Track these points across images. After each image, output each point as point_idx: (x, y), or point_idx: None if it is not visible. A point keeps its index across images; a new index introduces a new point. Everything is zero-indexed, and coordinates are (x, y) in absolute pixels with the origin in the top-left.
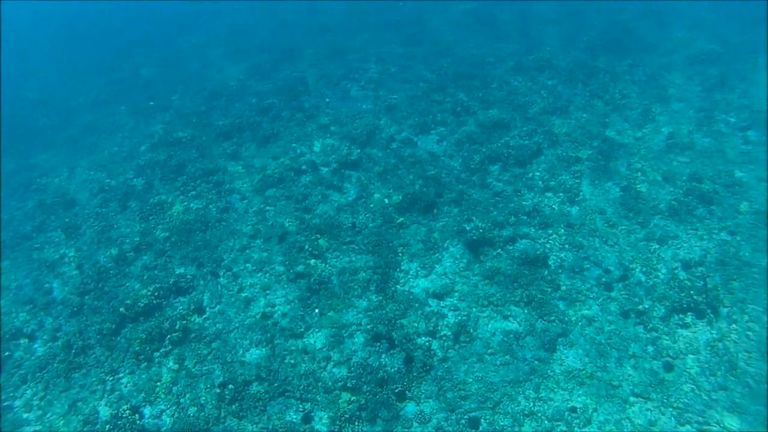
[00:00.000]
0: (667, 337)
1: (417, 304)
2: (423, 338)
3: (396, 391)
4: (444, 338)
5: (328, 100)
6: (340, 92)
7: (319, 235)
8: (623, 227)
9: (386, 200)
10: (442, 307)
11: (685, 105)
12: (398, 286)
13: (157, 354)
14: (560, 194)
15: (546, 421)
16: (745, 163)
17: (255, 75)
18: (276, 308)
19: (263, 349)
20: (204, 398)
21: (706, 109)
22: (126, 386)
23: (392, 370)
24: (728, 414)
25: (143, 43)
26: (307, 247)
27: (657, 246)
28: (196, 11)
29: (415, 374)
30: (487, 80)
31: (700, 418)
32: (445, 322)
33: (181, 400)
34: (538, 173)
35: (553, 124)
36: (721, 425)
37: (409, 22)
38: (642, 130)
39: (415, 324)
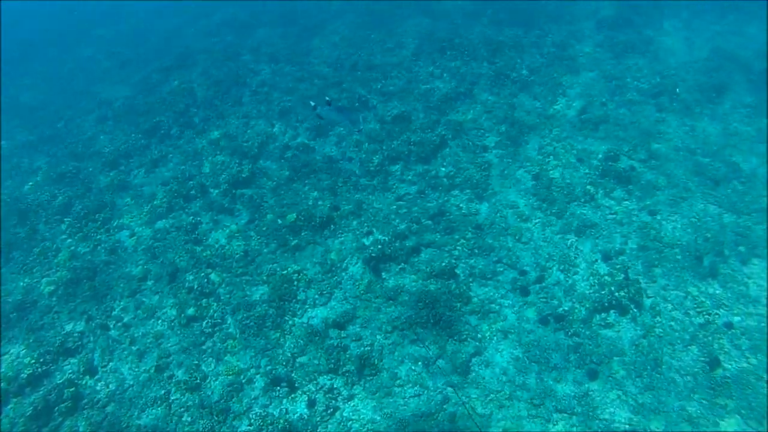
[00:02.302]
0: (589, 342)
1: (317, 338)
2: (325, 377)
3: None
4: (347, 374)
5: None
6: (231, 101)
7: (210, 270)
8: (537, 220)
9: (279, 221)
10: (344, 337)
11: (596, 74)
12: (296, 319)
13: (45, 430)
14: (467, 191)
15: None
16: (661, 134)
17: (143, 90)
18: (171, 358)
19: (159, 409)
20: None
21: (617, 77)
22: None
23: (295, 416)
24: (654, 416)
25: (24, 59)
26: (196, 286)
27: (574, 238)
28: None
29: (318, 419)
30: (386, 70)
31: (627, 426)
32: (347, 356)
33: None
34: (443, 169)
35: (457, 111)
36: (648, 429)
37: (306, 13)
38: (553, 107)
39: (315, 362)
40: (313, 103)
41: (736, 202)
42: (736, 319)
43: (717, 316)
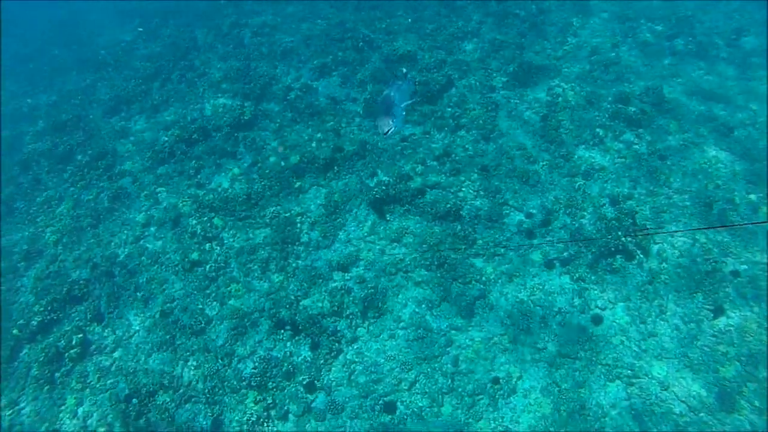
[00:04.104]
0: (595, 287)
1: (320, 280)
2: (328, 319)
3: (305, 383)
4: (351, 316)
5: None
6: (232, 43)
7: (213, 214)
8: (544, 162)
9: (282, 163)
10: (347, 280)
11: (609, 15)
12: (299, 261)
13: (58, 375)
14: (473, 132)
15: (467, 397)
16: (673, 76)
17: (143, 34)
18: (175, 303)
19: (165, 353)
20: (111, 416)
21: (630, 18)
22: (28, 417)
23: (299, 359)
24: (656, 362)
25: None
26: (199, 230)
27: (582, 181)
28: None
29: (322, 362)
30: (391, 9)
31: (629, 372)
32: (351, 298)
33: (88, 423)
34: (449, 109)
35: (463, 50)
36: (650, 375)
37: None
38: (563, 47)
39: (319, 304)
40: (404, 70)
41: (750, 149)
42: (743, 267)
43: (724, 264)
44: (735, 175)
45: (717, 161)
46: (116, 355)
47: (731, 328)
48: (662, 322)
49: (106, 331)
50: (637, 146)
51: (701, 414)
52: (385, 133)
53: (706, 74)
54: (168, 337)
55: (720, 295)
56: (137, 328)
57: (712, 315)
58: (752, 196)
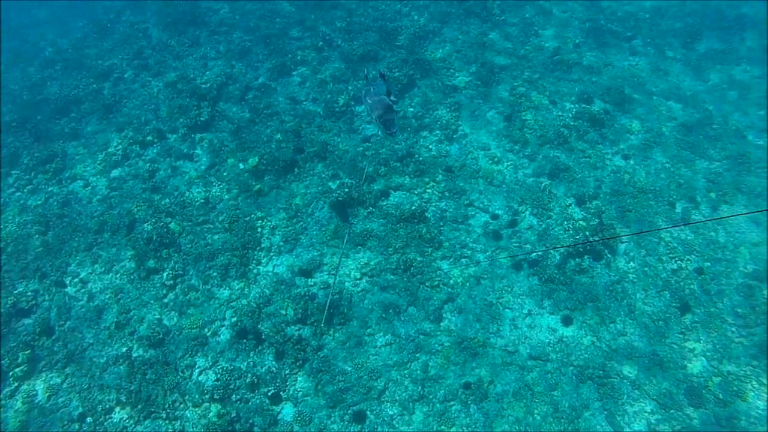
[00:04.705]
0: (564, 288)
1: (283, 287)
2: (293, 327)
3: (270, 394)
4: (316, 323)
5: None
6: (188, 41)
7: (169, 219)
8: (509, 163)
9: (241, 165)
10: (311, 285)
11: (569, 16)
12: (260, 267)
13: (3, 393)
14: (437, 132)
15: (438, 404)
16: (633, 77)
17: (93, 32)
18: (131, 313)
19: (121, 367)
20: None
21: (591, 19)
22: None
23: (263, 369)
24: (627, 362)
25: None
26: (155, 237)
27: (548, 182)
28: None
29: (288, 371)
30: (351, 7)
31: (600, 372)
32: (315, 304)
33: None
34: (411, 109)
35: (425, 50)
36: (621, 375)
37: None
38: (524, 47)
39: (282, 311)
40: (375, 72)
41: (707, 148)
42: (707, 264)
43: (689, 261)
44: (696, 173)
45: (678, 160)
46: (68, 371)
47: (697, 325)
48: (631, 321)
49: (57, 345)
50: (600, 146)
51: (672, 411)
52: (393, 133)
53: (665, 75)
54: (125, 349)
55: (686, 292)
56: (91, 341)
57: (679, 312)
58: (712, 194)
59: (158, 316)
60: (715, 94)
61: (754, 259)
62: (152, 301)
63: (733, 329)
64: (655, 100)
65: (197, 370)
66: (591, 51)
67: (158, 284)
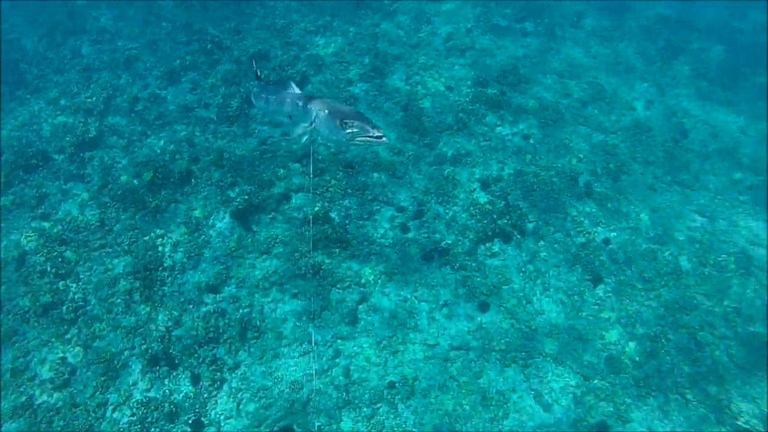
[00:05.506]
0: (477, 274)
1: (191, 306)
2: (206, 348)
3: (190, 421)
4: (229, 341)
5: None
6: (69, 53)
7: (64, 247)
8: (410, 152)
9: (135, 181)
10: (219, 301)
11: (461, 1)
12: (166, 288)
13: None
14: None
15: (365, 408)
16: (527, 57)
17: None
18: (30, 356)
19: (21, 420)
20: None
21: (481, 3)
22: None
23: (180, 396)
24: (548, 340)
25: None
26: (49, 268)
27: (450, 168)
28: None
29: (206, 395)
30: (239, 7)
31: (523, 354)
32: (226, 321)
33: None
34: None
35: (317, 45)
36: (544, 354)
37: None
38: (417, 35)
39: (193, 332)
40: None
41: (602, 121)
42: (613, 234)
43: (596, 234)
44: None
45: (575, 135)
46: None
47: (609, 295)
48: (546, 299)
49: None
50: (500, 128)
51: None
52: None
53: (557, 53)
54: (24, 399)
55: (596, 264)
56: None
57: (591, 285)
58: (611, 166)
59: (61, 354)
60: (603, 68)
61: (654, 225)
62: (52, 339)
63: (642, 294)
64: (549, 77)
65: (110, 408)
66: (484, 34)
67: (58, 320)
